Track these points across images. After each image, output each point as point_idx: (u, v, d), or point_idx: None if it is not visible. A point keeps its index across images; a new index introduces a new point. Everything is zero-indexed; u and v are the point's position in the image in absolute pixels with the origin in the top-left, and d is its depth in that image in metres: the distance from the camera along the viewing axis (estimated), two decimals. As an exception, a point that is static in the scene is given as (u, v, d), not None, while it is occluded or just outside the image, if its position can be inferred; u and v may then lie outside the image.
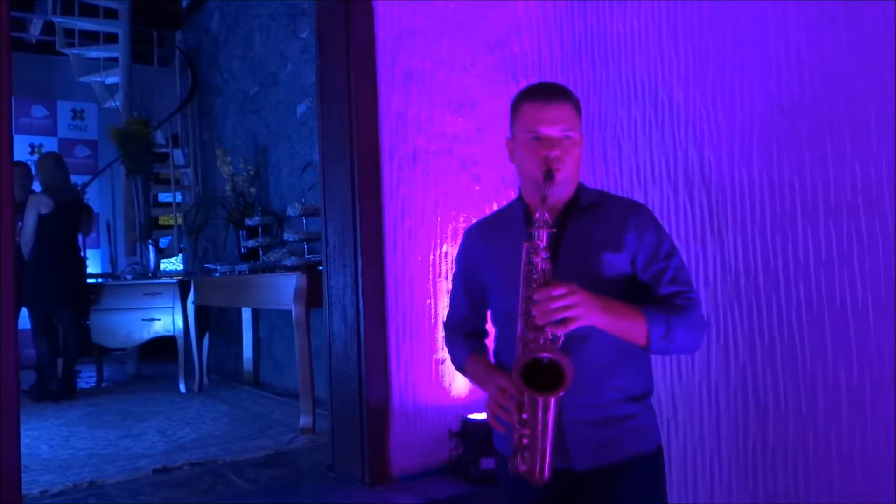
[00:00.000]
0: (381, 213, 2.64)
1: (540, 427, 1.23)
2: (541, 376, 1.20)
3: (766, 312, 1.99)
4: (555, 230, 1.29)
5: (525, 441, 1.25)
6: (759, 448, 2.00)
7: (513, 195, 2.80)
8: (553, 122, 1.35)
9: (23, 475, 2.05)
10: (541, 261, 1.25)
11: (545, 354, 1.19)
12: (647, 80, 2.32)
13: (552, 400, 1.22)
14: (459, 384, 2.76)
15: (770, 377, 1.98)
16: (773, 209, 1.98)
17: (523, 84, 2.80)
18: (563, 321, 1.19)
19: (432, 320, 2.73)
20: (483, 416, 2.62)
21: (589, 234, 1.39)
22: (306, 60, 4.46)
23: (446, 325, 1.65)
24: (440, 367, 2.73)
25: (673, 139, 2.25)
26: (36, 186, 4.99)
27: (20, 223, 4.48)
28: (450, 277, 2.78)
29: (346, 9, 2.64)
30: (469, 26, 2.90)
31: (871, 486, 1.77)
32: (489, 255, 1.50)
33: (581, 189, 1.45)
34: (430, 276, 2.74)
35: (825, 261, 1.86)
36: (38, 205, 4.54)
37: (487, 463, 2.49)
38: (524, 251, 1.28)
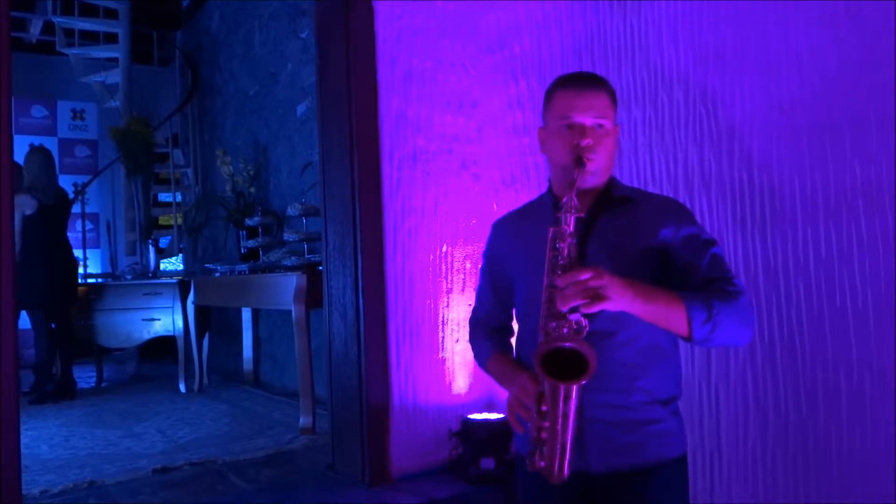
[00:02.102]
0: (381, 213, 2.64)
1: (560, 420, 1.16)
2: (563, 367, 1.13)
3: (766, 312, 1.99)
4: (582, 215, 1.25)
5: (544, 435, 1.19)
6: (759, 448, 2.00)
7: (513, 195, 2.81)
8: (586, 110, 1.32)
9: (23, 475, 2.04)
10: (567, 246, 1.20)
11: (567, 343, 1.13)
12: (647, 80, 2.32)
13: (573, 391, 1.15)
14: (460, 384, 2.76)
15: (770, 377, 1.98)
16: (773, 209, 1.98)
17: (523, 84, 2.82)
18: (589, 301, 1.11)
19: (432, 320, 2.73)
20: (483, 416, 2.62)
21: (621, 228, 1.34)
22: (306, 60, 4.46)
23: (471, 320, 1.61)
24: (440, 366, 2.73)
25: (673, 139, 2.25)
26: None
27: None
28: (450, 278, 2.78)
29: (346, 9, 2.64)
30: (469, 26, 2.90)
31: (871, 486, 1.77)
32: (516, 246, 1.47)
33: (614, 182, 1.41)
34: (430, 277, 2.74)
35: (825, 261, 1.86)
36: (22, 206, 4.49)
37: (487, 463, 2.49)
38: (550, 236, 1.23)
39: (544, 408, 1.19)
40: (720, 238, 2.10)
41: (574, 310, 1.14)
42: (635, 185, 2.36)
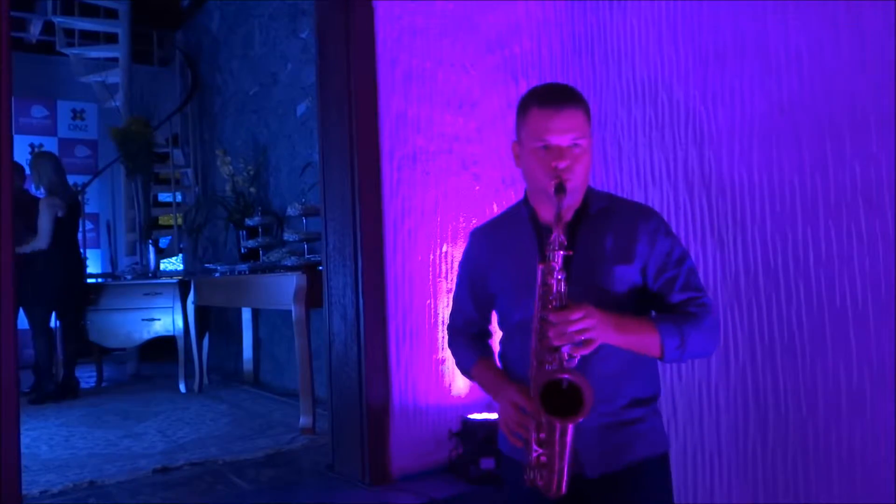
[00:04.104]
0: (381, 213, 2.64)
1: (558, 448, 1.23)
2: (558, 396, 1.19)
3: (766, 312, 1.99)
4: (570, 252, 1.27)
5: (543, 459, 1.25)
6: (759, 448, 2.00)
7: (512, 195, 2.81)
8: (563, 132, 1.31)
9: (23, 475, 2.05)
10: (556, 283, 1.24)
11: (565, 376, 1.19)
12: (647, 80, 2.32)
13: (570, 426, 1.22)
14: (459, 384, 2.76)
15: (770, 377, 1.98)
16: (773, 209, 1.98)
17: (523, 84, 2.82)
18: (582, 344, 1.20)
19: (432, 320, 2.73)
20: (483, 416, 2.62)
21: (599, 245, 1.38)
22: (306, 60, 4.46)
23: (449, 327, 1.62)
24: (440, 367, 2.73)
25: (673, 139, 2.25)
26: (30, 187, 4.98)
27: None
28: (450, 277, 2.78)
29: (346, 9, 2.64)
30: (469, 26, 2.90)
31: (871, 486, 1.77)
32: (497, 261, 1.48)
33: (590, 194, 1.42)
34: (430, 277, 2.74)
35: (825, 261, 1.86)
36: (55, 207, 4.57)
37: (487, 463, 2.49)
38: (539, 273, 1.26)
39: (542, 435, 1.24)
40: (720, 238, 2.10)
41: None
42: (635, 185, 2.36)
